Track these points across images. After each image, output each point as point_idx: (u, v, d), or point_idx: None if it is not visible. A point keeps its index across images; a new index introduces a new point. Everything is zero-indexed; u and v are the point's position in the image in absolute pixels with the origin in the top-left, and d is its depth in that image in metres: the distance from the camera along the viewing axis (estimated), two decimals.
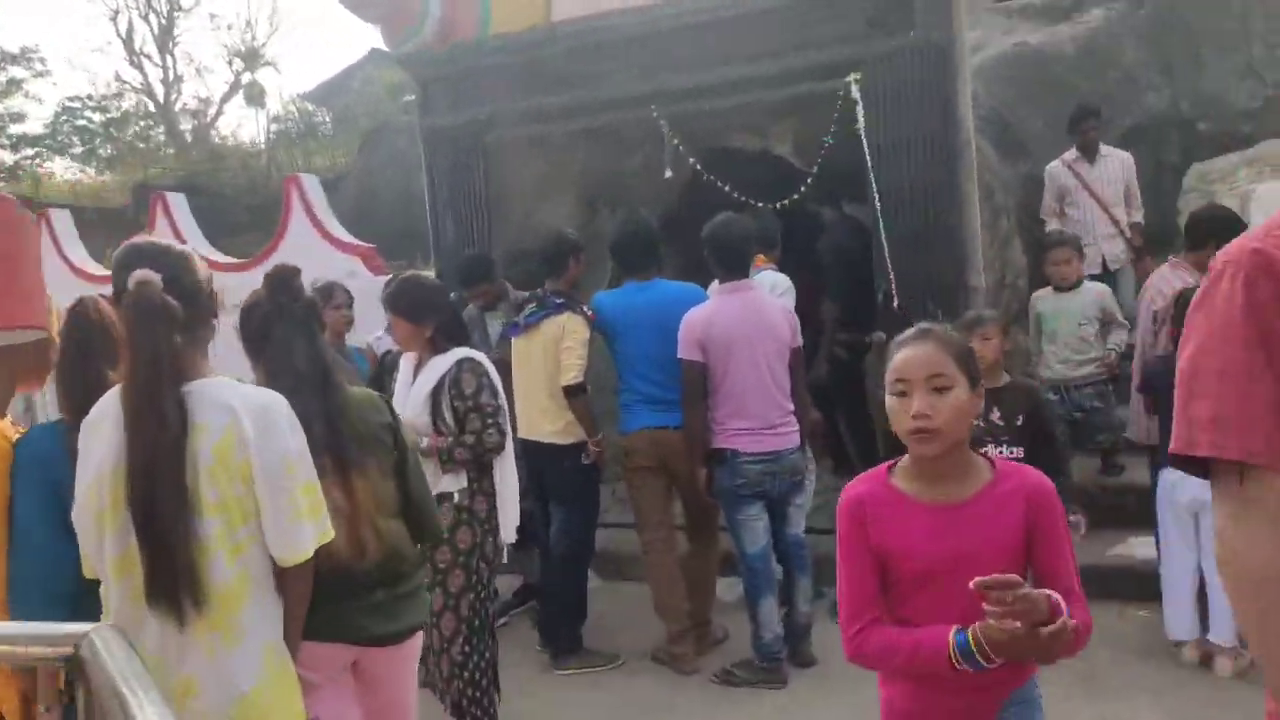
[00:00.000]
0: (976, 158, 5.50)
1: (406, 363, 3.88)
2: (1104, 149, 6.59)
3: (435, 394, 3.68)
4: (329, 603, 2.44)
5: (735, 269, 4.33)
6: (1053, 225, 6.63)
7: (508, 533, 3.80)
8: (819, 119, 5.74)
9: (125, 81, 20.95)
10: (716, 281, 4.45)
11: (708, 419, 4.28)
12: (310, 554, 2.22)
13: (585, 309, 4.54)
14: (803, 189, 5.68)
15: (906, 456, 2.04)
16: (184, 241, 7.52)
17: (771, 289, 4.68)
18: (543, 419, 4.54)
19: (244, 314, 2.69)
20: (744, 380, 4.20)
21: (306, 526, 2.20)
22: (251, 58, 20.52)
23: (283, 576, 2.23)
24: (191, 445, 2.10)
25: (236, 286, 7.31)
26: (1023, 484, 1.99)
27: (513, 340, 4.75)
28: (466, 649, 3.65)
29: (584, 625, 4.73)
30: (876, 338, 5.48)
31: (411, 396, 3.73)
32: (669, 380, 4.40)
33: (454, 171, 6.33)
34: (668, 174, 5.88)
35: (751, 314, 4.25)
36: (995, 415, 3.65)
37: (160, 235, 7.47)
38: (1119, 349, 5.35)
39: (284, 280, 2.64)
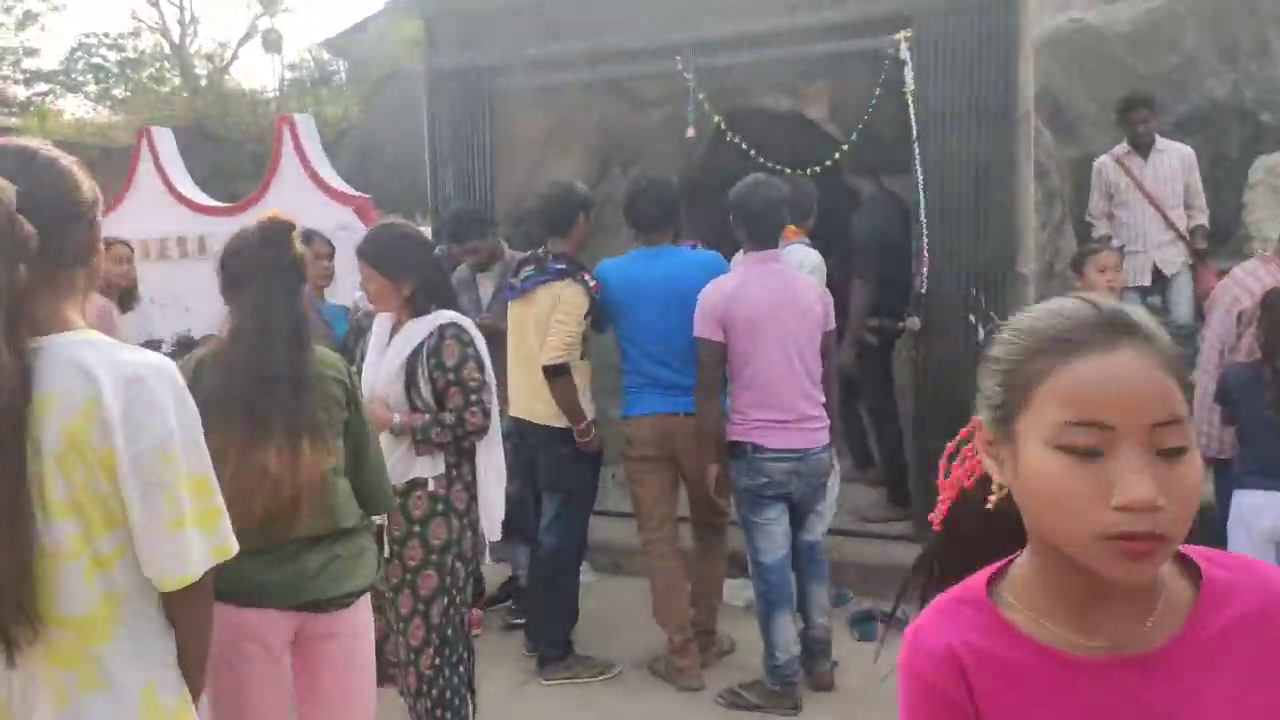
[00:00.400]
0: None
1: (381, 325, 3.31)
2: (1160, 142, 5.68)
3: (411, 363, 3.11)
4: (264, 564, 2.30)
5: (765, 238, 3.74)
6: (1101, 229, 5.74)
7: (490, 529, 3.25)
8: (859, 80, 5.14)
9: (141, 20, 20.30)
10: (740, 252, 3.86)
11: (723, 409, 3.72)
12: (199, 574, 1.65)
13: (588, 277, 3.93)
14: (837, 156, 5.08)
15: (1021, 561, 1.06)
16: (170, 182, 6.96)
17: (799, 265, 4.08)
18: (536, 397, 3.96)
19: (228, 254, 2.49)
20: (770, 365, 3.63)
21: (193, 537, 1.62)
22: (269, 2, 19.81)
23: (168, 602, 1.67)
24: (34, 422, 1.52)
25: (223, 232, 6.74)
26: (1261, 599, 1.01)
27: (508, 306, 4.18)
28: (437, 662, 3.10)
29: (574, 628, 4.17)
30: (911, 324, 4.91)
31: (384, 365, 3.17)
32: (682, 362, 3.83)
33: (458, 119, 5.72)
34: (690, 133, 5.28)
35: (782, 290, 3.67)
36: None
37: (145, 173, 6.90)
38: None
39: (278, 233, 2.44)
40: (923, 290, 4.74)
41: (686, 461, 3.91)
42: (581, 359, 3.96)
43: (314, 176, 6.26)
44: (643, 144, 5.82)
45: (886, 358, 5.34)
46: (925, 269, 4.70)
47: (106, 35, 20.82)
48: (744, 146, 5.14)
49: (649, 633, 4.16)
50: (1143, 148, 5.65)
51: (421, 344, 3.11)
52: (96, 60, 20.77)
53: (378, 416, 3.08)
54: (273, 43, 20.58)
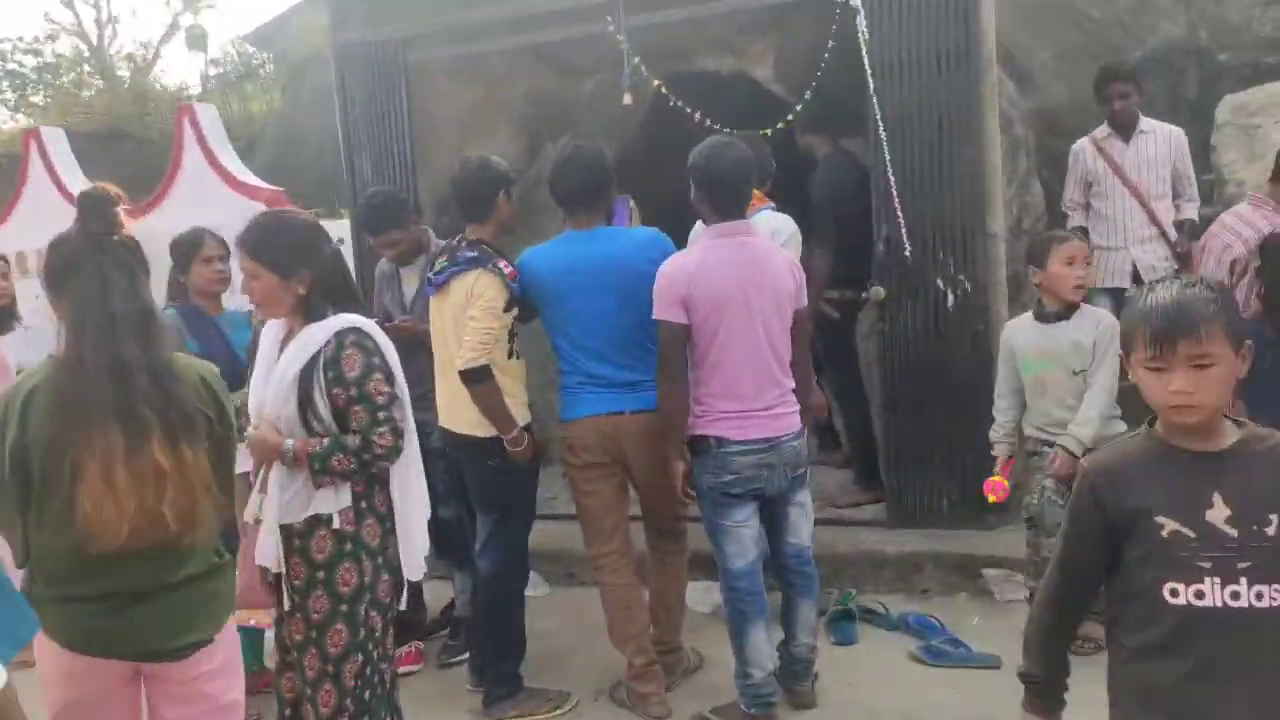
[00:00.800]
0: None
1: (270, 334, 2.77)
2: (1146, 122, 4.84)
3: (305, 377, 2.57)
4: (97, 611, 2.14)
5: (731, 207, 3.22)
6: (1076, 221, 4.97)
7: (411, 566, 2.73)
8: (806, 33, 4.66)
9: (56, 22, 19.18)
10: (700, 224, 3.36)
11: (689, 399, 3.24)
12: None
13: (503, 264, 3.38)
14: (789, 118, 4.59)
15: None
16: (62, 184, 6.30)
17: (773, 236, 3.57)
18: (461, 405, 3.42)
19: (50, 249, 2.25)
20: (737, 349, 3.14)
21: None
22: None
23: None
24: None
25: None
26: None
27: (430, 303, 3.65)
28: None
29: (524, 655, 3.64)
30: (875, 293, 4.46)
31: (274, 381, 2.62)
32: (624, 356, 3.35)
33: (371, 99, 5.14)
34: (626, 100, 4.75)
35: (749, 265, 3.17)
36: (1218, 513, 1.64)
37: (35, 179, 6.23)
38: (1082, 437, 3.48)
39: (97, 205, 2.24)
40: (907, 252, 4.29)
41: (638, 463, 3.43)
42: (511, 357, 3.45)
43: (219, 169, 5.63)
44: (576, 116, 5.29)
45: (849, 331, 4.89)
46: (904, 231, 4.26)
47: (21, 40, 19.77)
48: (688, 110, 4.64)
49: (609, 652, 3.65)
50: (1123, 128, 4.83)
51: (317, 354, 2.58)
52: (12, 67, 19.71)
53: (267, 443, 2.57)
54: (197, 40, 19.66)
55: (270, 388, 2.62)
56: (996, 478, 3.63)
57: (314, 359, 2.57)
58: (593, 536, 3.55)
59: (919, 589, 4.28)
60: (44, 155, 6.15)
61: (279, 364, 2.63)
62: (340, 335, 2.58)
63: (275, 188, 5.81)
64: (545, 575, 4.64)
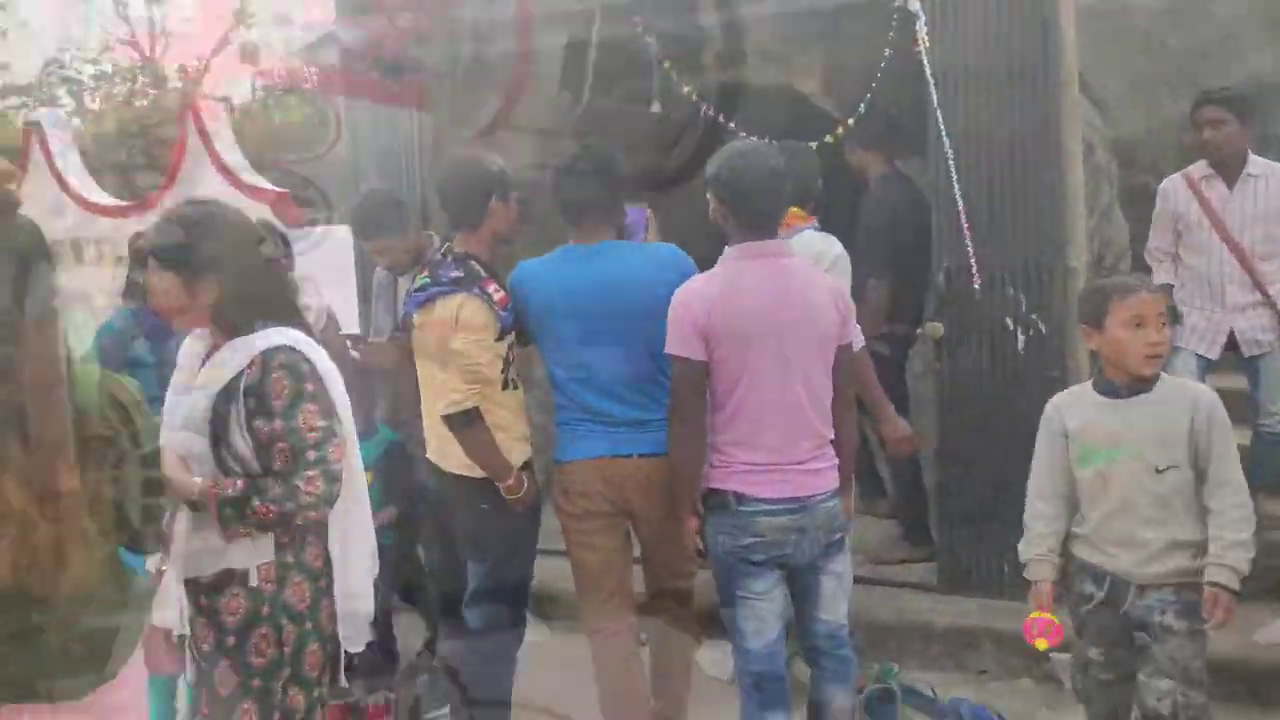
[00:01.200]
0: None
1: (189, 350, 2.25)
2: (1256, 163, 3.80)
3: (221, 405, 2.06)
4: None
5: (761, 223, 2.65)
6: (1162, 275, 3.92)
7: (352, 639, 2.19)
8: (859, 43, 4.13)
9: (110, 33, 19.34)
10: (728, 247, 2.83)
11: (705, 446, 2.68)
12: None
13: (492, 288, 2.84)
14: (840, 131, 4.05)
15: None
16: (61, 176, 5.94)
17: (816, 260, 2.99)
18: (448, 440, 2.88)
19: None
20: (766, 392, 2.58)
21: None
22: (243, 15, 18.92)
23: None
24: None
25: (122, 236, 5.71)
26: None
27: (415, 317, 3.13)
28: None
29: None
30: (931, 329, 3.88)
31: (184, 408, 2.11)
32: (633, 392, 2.80)
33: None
34: (655, 108, 4.26)
35: (784, 293, 2.61)
36: None
37: (36, 169, 5.87)
38: (1239, 565, 2.36)
39: None
40: (976, 285, 3.69)
41: (645, 515, 2.88)
42: (507, 388, 2.91)
43: (223, 169, 5.23)
44: (601, 123, 4.79)
45: (899, 369, 4.29)
46: (973, 262, 3.65)
47: (79, 50, 20.00)
48: (721, 120, 4.11)
49: None
50: (1224, 167, 3.79)
51: (238, 378, 2.06)
52: (70, 74, 19.93)
53: (176, 484, 2.05)
54: (250, 54, 19.69)
55: (179, 415, 2.10)
56: (1041, 614, 2.57)
57: (233, 383, 2.05)
58: (588, 596, 2.99)
59: (974, 669, 3.64)
60: (44, 147, 5.80)
61: (195, 388, 2.12)
62: (267, 355, 2.06)
63: (280, 189, 5.39)
64: (544, 616, 4.05)
